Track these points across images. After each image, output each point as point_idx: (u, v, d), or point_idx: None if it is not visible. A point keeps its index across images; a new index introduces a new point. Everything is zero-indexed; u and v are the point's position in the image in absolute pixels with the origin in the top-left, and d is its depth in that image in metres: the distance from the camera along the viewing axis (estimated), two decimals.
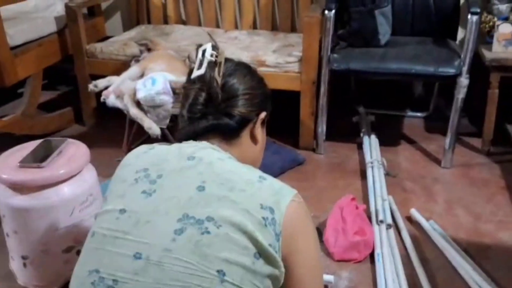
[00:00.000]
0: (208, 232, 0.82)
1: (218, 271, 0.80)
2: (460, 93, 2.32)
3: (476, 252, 1.83)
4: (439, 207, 2.12)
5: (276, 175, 2.32)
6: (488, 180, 2.32)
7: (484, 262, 1.77)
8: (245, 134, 1.04)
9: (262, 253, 0.84)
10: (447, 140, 2.41)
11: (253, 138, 1.06)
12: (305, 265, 0.92)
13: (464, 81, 2.30)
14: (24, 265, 1.61)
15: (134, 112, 2.15)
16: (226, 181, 0.88)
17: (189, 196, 0.86)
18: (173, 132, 1.87)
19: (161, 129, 2.14)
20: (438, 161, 2.48)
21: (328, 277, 1.65)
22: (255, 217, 0.84)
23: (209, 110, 0.99)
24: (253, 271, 0.83)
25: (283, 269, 0.88)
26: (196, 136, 1.00)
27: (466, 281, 1.67)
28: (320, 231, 1.89)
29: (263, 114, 1.07)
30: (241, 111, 1.01)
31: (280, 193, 0.90)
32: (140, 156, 0.99)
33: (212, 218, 0.83)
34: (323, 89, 2.47)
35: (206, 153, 0.95)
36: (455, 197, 2.20)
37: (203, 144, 0.98)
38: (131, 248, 0.83)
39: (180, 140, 1.01)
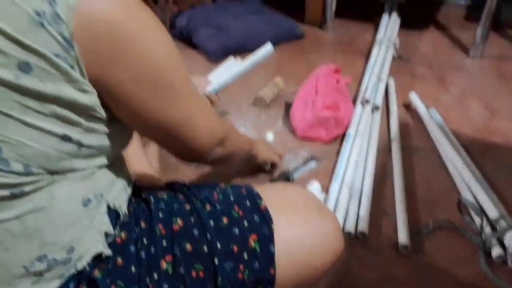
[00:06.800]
0: None
1: None
2: None
3: (478, 149, 1.45)
4: (450, 97, 1.72)
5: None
6: None
7: (485, 161, 1.40)
8: None
9: (45, 62, 0.53)
10: (480, 25, 1.95)
11: None
12: (144, 84, 0.60)
13: None
14: None
15: None
16: None
17: None
18: None
19: None
20: (467, 51, 2.04)
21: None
22: (22, 11, 0.52)
23: None
24: (18, 88, 0.53)
25: (93, 93, 0.57)
26: None
27: (452, 177, 1.32)
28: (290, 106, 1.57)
29: None
30: None
31: None
32: None
33: None
34: None
35: None
36: (473, 88, 1.79)
37: None
38: None
39: None
